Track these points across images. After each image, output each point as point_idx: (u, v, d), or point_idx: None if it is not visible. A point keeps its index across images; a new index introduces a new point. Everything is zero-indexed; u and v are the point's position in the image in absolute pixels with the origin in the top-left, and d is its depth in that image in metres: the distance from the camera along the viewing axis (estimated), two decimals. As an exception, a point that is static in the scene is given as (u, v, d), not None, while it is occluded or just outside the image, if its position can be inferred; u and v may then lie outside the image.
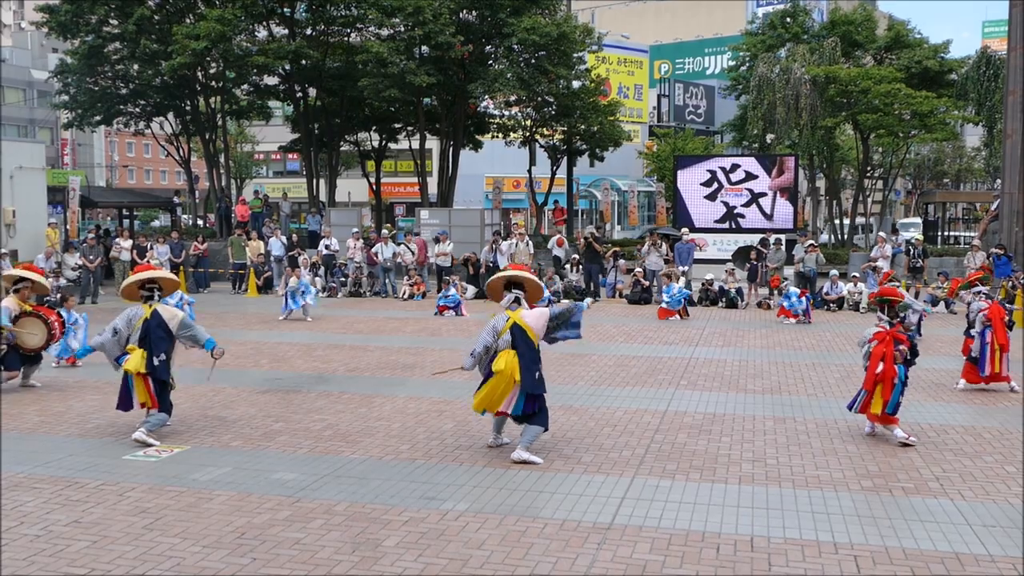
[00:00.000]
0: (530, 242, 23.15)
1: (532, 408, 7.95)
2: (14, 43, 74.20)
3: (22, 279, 11.18)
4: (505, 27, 26.70)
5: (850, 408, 8.92)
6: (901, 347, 8.57)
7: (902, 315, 8.99)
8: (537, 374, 7.95)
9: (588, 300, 9.28)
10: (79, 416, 9.66)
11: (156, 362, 8.45)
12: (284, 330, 16.56)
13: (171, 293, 10.11)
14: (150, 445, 8.31)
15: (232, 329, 16.55)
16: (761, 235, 23.03)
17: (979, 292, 11.39)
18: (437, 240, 22.86)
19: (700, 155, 35.18)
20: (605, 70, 41.48)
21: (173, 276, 9.71)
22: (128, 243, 23.21)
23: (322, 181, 32.04)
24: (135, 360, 8.45)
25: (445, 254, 22.76)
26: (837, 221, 34.85)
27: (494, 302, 8.49)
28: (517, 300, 8.14)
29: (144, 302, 8.67)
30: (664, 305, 18.51)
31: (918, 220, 42.82)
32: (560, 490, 7.10)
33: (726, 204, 25.96)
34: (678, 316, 18.26)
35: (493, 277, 8.57)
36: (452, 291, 19.46)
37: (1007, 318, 10.77)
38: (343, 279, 23.30)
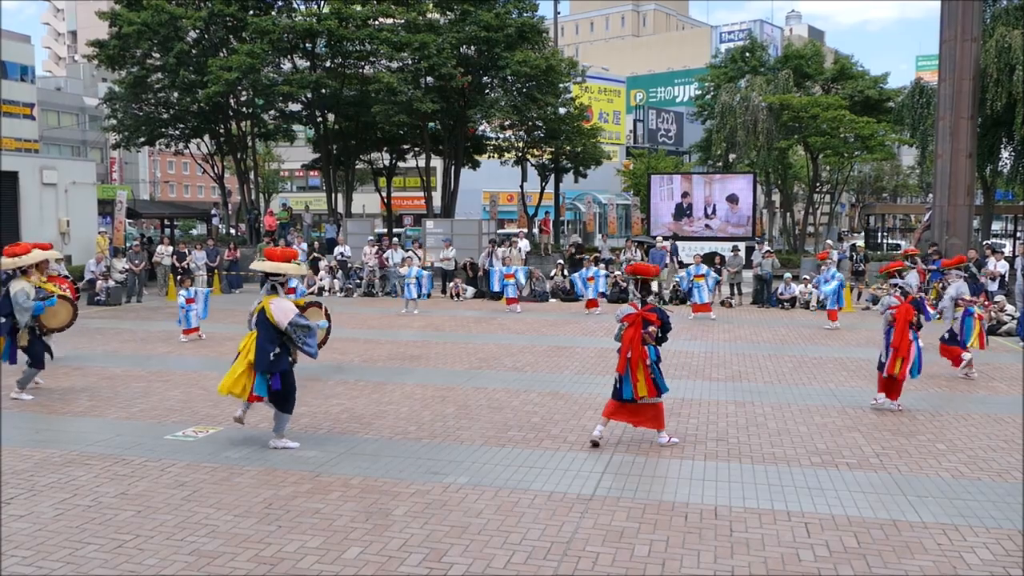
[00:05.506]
0: (522, 248, 23.12)
1: (277, 386, 7.44)
2: (68, 73, 73.86)
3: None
4: (500, 60, 26.74)
5: (625, 398, 7.61)
6: (651, 328, 7.58)
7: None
8: (272, 355, 7.36)
9: (324, 323, 8.74)
10: (125, 401, 9.62)
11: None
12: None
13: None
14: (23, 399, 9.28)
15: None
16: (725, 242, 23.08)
17: (895, 285, 9.61)
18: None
19: (670, 172, 35.22)
20: (587, 98, 41.48)
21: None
22: (169, 250, 23.14)
23: (339, 195, 31.97)
24: None
25: (448, 259, 22.74)
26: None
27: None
28: (273, 287, 7.68)
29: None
30: (698, 301, 17.59)
31: (859, 234, 42.96)
32: (548, 465, 7.10)
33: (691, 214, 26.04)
34: (712, 314, 17.45)
35: (256, 265, 7.98)
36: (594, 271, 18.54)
37: (914, 320, 9.13)
38: (358, 281, 23.25)
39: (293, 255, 7.97)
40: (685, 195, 26.59)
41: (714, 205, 26.15)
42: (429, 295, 19.90)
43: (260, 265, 7.85)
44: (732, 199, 25.98)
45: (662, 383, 7.66)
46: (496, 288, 20.06)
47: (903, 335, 8.99)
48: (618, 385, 7.66)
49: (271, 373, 7.44)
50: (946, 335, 11.36)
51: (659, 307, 7.88)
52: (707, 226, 26.04)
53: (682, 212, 26.56)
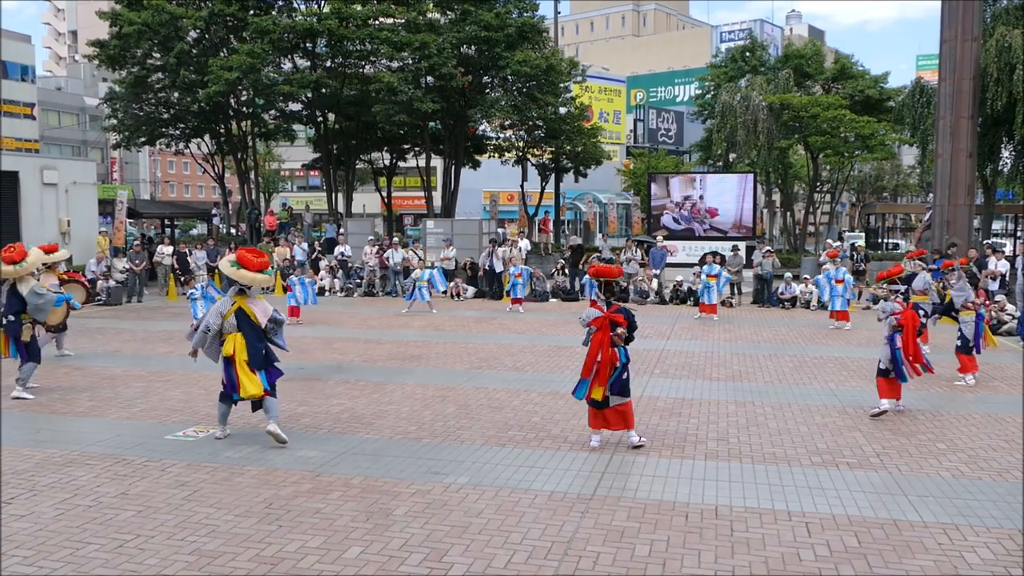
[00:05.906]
0: (522, 248, 23.12)
1: (274, 380, 7.77)
2: (68, 73, 73.85)
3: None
4: (500, 60, 26.73)
5: (577, 395, 7.67)
6: (619, 330, 7.47)
7: (623, 291, 8.02)
8: (263, 351, 7.71)
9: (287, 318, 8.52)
10: (126, 401, 9.63)
11: (4, 322, 9.67)
12: (306, 325, 16.47)
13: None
14: (25, 398, 9.50)
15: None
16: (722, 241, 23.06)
17: (896, 290, 9.39)
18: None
19: (670, 172, 35.24)
20: (588, 98, 41.43)
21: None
22: (169, 249, 23.14)
23: (340, 195, 31.98)
24: None
25: (448, 259, 22.73)
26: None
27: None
28: (241, 290, 7.84)
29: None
30: (707, 302, 17.50)
31: (859, 233, 42.91)
32: (549, 465, 7.10)
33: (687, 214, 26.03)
34: (714, 315, 17.36)
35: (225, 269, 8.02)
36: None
37: (921, 325, 9.00)
38: (359, 281, 23.25)
39: (265, 265, 8.03)
40: (686, 196, 26.57)
41: (714, 205, 26.12)
42: (431, 294, 19.75)
43: (236, 274, 7.84)
44: (732, 198, 25.95)
45: (628, 388, 7.59)
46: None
47: (913, 342, 8.98)
48: (575, 387, 7.63)
49: (267, 369, 7.74)
50: (959, 343, 10.90)
51: (624, 307, 7.82)
52: (708, 226, 26.02)
53: (682, 212, 26.52)
